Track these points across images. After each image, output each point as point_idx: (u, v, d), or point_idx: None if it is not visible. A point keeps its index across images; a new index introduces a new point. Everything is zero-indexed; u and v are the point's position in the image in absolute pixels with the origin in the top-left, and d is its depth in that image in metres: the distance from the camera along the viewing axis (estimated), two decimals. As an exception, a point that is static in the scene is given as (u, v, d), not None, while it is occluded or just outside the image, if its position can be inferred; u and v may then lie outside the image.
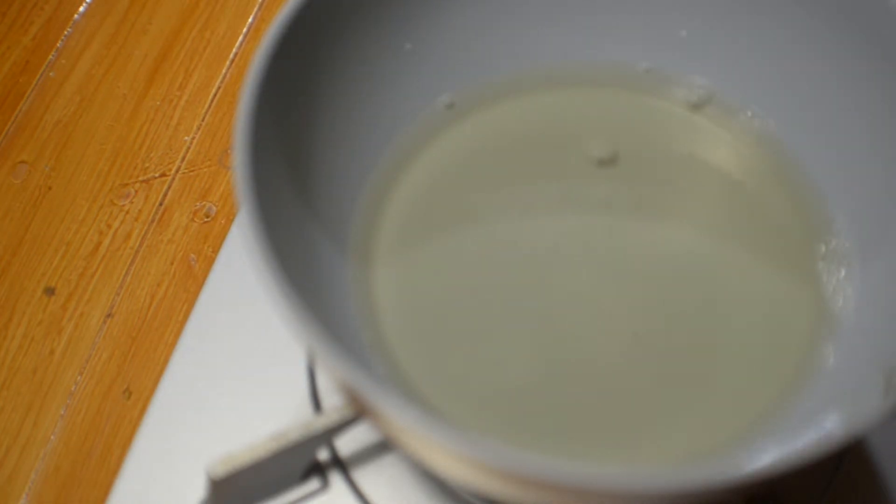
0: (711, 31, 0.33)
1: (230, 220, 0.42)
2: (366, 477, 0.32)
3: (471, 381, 0.29)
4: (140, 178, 0.44)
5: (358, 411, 0.26)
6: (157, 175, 0.44)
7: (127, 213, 0.43)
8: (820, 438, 0.21)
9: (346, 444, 0.33)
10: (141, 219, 0.43)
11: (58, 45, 0.48)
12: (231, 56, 0.47)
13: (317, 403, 0.34)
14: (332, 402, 0.34)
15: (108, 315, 0.40)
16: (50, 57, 0.48)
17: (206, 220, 0.42)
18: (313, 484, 0.32)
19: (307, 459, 0.31)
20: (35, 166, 0.44)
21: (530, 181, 0.33)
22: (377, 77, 0.32)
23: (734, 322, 0.30)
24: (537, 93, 0.35)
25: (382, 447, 0.33)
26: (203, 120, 0.45)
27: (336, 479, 0.32)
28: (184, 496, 0.32)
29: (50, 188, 0.44)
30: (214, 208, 0.43)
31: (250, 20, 0.49)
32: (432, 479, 0.32)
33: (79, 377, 0.39)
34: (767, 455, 0.26)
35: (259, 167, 0.26)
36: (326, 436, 0.28)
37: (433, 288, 0.31)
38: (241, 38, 0.48)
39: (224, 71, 0.47)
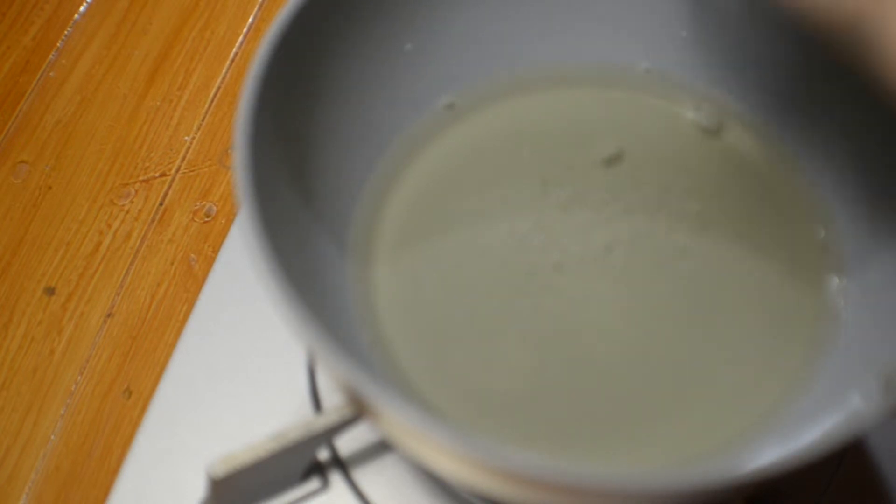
0: (712, 31, 0.33)
1: (230, 220, 0.42)
2: (366, 477, 0.32)
3: (471, 382, 0.29)
4: (140, 178, 0.44)
5: (358, 411, 0.26)
6: (157, 175, 0.44)
7: (127, 213, 0.43)
8: (820, 438, 0.21)
9: (346, 444, 0.33)
10: (141, 219, 0.43)
11: (58, 45, 0.48)
12: (231, 56, 0.47)
13: (317, 403, 0.34)
14: (332, 402, 0.34)
15: (108, 315, 0.40)
16: (50, 57, 0.48)
17: (206, 220, 0.42)
18: (313, 484, 0.32)
19: (307, 459, 0.31)
20: (35, 166, 0.44)
21: (531, 181, 0.33)
22: (377, 77, 0.32)
23: (735, 322, 0.30)
24: (537, 93, 0.35)
25: (382, 447, 0.33)
26: (203, 120, 0.45)
27: (336, 479, 0.32)
28: (184, 496, 0.32)
29: (50, 188, 0.44)
30: (214, 208, 0.43)
31: (250, 20, 0.49)
32: (432, 479, 0.32)
33: (79, 377, 0.39)
34: (767, 455, 0.26)
35: (259, 167, 0.26)
36: (326, 436, 0.28)
37: (433, 288, 0.31)
38: (241, 38, 0.48)
39: (224, 71, 0.47)
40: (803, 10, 0.24)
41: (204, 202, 0.43)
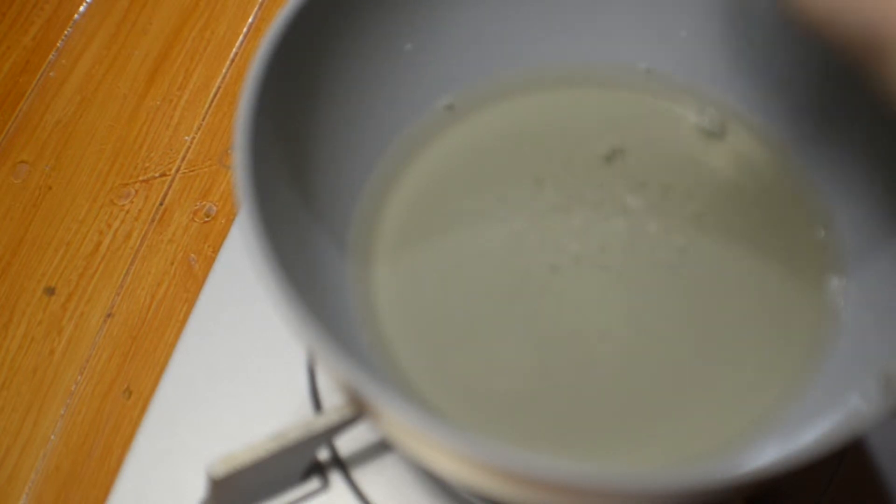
0: (711, 31, 0.33)
1: (230, 220, 0.42)
2: (366, 477, 0.32)
3: (471, 381, 0.29)
4: (140, 178, 0.44)
5: (358, 411, 0.26)
6: (157, 175, 0.44)
7: (127, 213, 0.43)
8: (820, 438, 0.21)
9: (346, 444, 0.33)
10: (141, 219, 0.43)
11: (58, 45, 0.48)
12: (231, 56, 0.47)
13: (317, 403, 0.34)
14: (332, 401, 0.34)
15: (108, 315, 0.40)
16: (50, 57, 0.48)
17: (206, 219, 0.42)
18: (313, 484, 0.32)
19: (307, 459, 0.31)
20: (35, 166, 0.44)
21: (530, 181, 0.33)
22: (377, 77, 0.32)
23: (735, 321, 0.30)
24: (537, 93, 0.35)
25: (382, 447, 0.33)
26: (203, 120, 0.45)
27: (336, 479, 0.32)
28: (184, 496, 0.32)
29: (50, 188, 0.44)
30: (214, 208, 0.43)
31: (250, 20, 0.49)
32: (432, 479, 0.32)
33: (79, 377, 0.39)
34: (768, 455, 0.26)
35: (259, 167, 0.26)
36: (326, 436, 0.28)
37: (433, 288, 0.31)
38: (241, 38, 0.48)
39: (224, 71, 0.47)
40: (818, 22, 0.24)
41: (204, 202, 0.43)
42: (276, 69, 0.27)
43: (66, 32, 0.48)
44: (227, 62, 0.47)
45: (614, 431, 0.28)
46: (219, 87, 0.46)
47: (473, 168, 0.33)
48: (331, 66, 0.30)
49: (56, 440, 0.37)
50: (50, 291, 0.41)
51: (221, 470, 0.27)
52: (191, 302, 0.40)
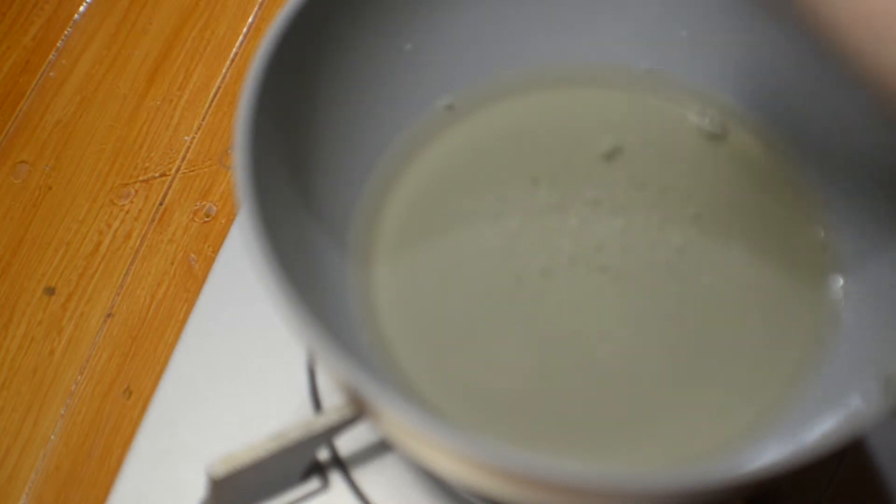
0: (711, 31, 0.33)
1: (230, 220, 0.42)
2: (366, 477, 0.32)
3: (471, 381, 0.29)
4: (140, 178, 0.44)
5: (358, 411, 0.26)
6: (157, 175, 0.44)
7: (127, 213, 0.43)
8: (820, 438, 0.21)
9: (346, 444, 0.33)
10: (141, 219, 0.43)
11: (58, 45, 0.48)
12: (231, 56, 0.47)
13: (317, 403, 0.34)
14: (332, 401, 0.34)
15: (108, 315, 0.40)
16: (50, 57, 0.48)
17: (206, 219, 0.42)
18: (313, 484, 0.32)
19: (307, 459, 0.31)
20: (35, 166, 0.44)
21: (530, 181, 0.33)
22: (377, 77, 0.32)
23: (735, 322, 0.30)
24: (537, 93, 0.35)
25: (382, 447, 0.33)
26: (203, 120, 0.45)
27: (336, 479, 0.32)
28: (184, 496, 0.32)
29: (50, 188, 0.44)
30: (214, 208, 0.43)
31: (250, 20, 0.49)
32: (432, 479, 0.32)
33: (79, 377, 0.39)
34: (768, 455, 0.26)
35: (259, 167, 0.26)
36: (326, 435, 0.28)
37: (433, 288, 0.31)
38: (241, 38, 0.48)
39: (224, 71, 0.47)
40: (848, 48, 0.20)
41: (204, 202, 0.43)
42: (276, 69, 0.27)
43: (66, 32, 0.48)
44: (227, 62, 0.47)
45: (614, 431, 0.28)
46: (219, 87, 0.46)
47: (473, 168, 0.33)
48: (331, 66, 0.30)
49: (56, 440, 0.37)
50: (50, 291, 0.41)
51: (221, 470, 0.27)
52: (191, 302, 0.40)
